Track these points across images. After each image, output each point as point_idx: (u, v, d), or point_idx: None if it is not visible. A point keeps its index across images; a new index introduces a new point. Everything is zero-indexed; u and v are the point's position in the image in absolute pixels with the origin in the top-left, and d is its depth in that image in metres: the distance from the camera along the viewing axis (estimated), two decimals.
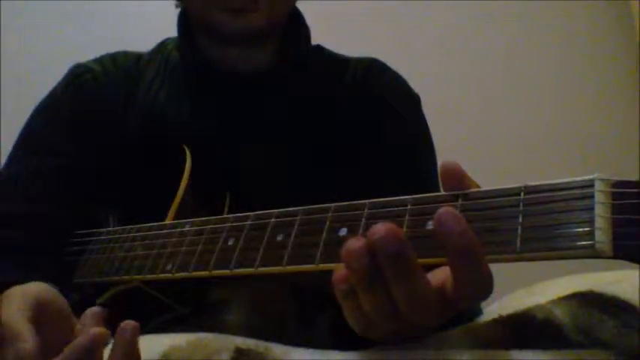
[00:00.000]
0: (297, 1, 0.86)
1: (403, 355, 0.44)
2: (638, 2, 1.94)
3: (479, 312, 0.50)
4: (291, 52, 0.86)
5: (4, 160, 0.82)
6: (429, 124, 0.91)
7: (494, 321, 0.41)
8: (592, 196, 0.38)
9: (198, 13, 0.81)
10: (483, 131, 1.90)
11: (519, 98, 1.96)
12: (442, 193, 0.45)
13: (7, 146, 0.84)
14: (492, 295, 0.58)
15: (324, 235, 0.49)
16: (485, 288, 0.40)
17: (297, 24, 0.88)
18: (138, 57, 0.88)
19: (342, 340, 0.52)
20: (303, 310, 0.71)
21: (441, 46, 1.98)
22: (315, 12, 0.97)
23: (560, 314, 0.39)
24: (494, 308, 0.48)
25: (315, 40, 0.92)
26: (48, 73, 0.91)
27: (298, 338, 0.53)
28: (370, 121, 0.84)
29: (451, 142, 1.62)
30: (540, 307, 0.40)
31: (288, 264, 0.50)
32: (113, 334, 0.54)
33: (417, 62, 1.91)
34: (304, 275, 0.50)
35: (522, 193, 0.41)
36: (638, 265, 0.42)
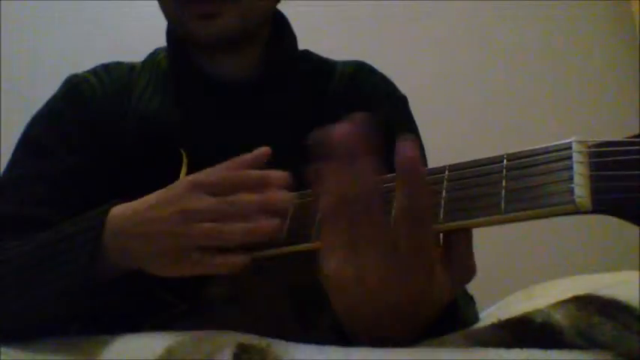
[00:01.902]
0: (276, 5, 0.87)
1: (403, 353, 0.44)
2: (638, 2, 1.95)
3: (476, 319, 0.51)
4: (277, 58, 0.87)
5: (3, 160, 0.83)
6: (429, 124, 0.92)
7: (493, 325, 0.42)
8: (570, 157, 0.40)
9: (175, 23, 0.82)
10: (483, 131, 1.91)
11: (519, 99, 1.97)
12: (430, 167, 0.48)
13: (6, 147, 0.84)
14: (491, 298, 0.59)
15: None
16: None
17: (281, 30, 0.89)
18: (131, 67, 0.89)
19: (341, 340, 0.53)
20: (303, 311, 0.71)
21: (440, 45, 1.98)
22: (315, 13, 0.97)
23: (559, 318, 0.39)
24: (493, 310, 0.48)
25: (317, 41, 0.93)
26: (48, 74, 0.91)
27: (297, 339, 0.53)
28: None
29: (451, 142, 1.63)
30: (539, 311, 0.40)
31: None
32: (112, 329, 0.55)
33: (417, 62, 1.92)
34: (303, 275, 0.50)
35: (505, 160, 0.44)
36: (636, 264, 0.43)
